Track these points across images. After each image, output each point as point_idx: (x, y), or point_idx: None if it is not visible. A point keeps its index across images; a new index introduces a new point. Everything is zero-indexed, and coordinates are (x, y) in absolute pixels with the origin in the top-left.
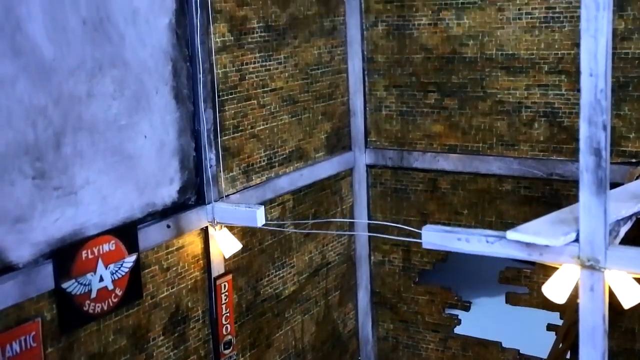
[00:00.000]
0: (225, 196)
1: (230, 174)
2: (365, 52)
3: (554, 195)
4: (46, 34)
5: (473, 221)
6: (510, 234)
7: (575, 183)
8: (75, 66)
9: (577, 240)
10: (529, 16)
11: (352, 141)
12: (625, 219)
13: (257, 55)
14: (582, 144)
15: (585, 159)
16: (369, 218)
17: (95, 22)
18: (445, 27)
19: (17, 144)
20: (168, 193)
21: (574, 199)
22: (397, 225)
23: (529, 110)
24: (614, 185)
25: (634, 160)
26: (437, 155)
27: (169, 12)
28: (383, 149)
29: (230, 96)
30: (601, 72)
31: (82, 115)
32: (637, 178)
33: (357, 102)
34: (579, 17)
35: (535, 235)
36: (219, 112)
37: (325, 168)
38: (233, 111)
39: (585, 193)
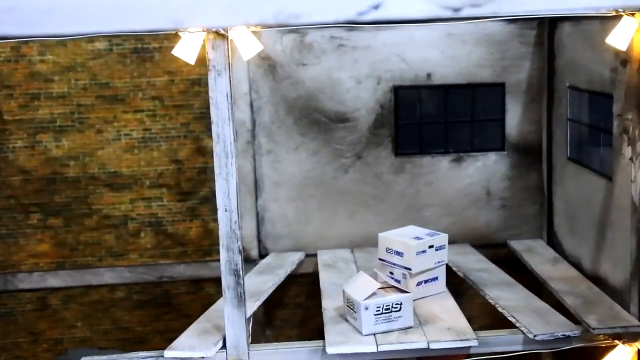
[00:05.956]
0: None
1: None
2: None
3: (165, 295)
4: None
5: (88, 332)
6: (168, 352)
7: (183, 282)
8: None
9: (224, 346)
10: (128, 137)
11: None
12: (249, 319)
13: None
14: (223, 267)
15: (227, 279)
16: None
17: None
18: (44, 149)
19: None
20: None
21: (183, 296)
22: None
23: (135, 221)
24: (216, 279)
25: None
26: (45, 273)
27: None
28: None
29: None
30: (234, 207)
31: None
32: None
33: None
34: (173, 137)
35: (190, 350)
36: None
37: None
38: None
39: (229, 307)
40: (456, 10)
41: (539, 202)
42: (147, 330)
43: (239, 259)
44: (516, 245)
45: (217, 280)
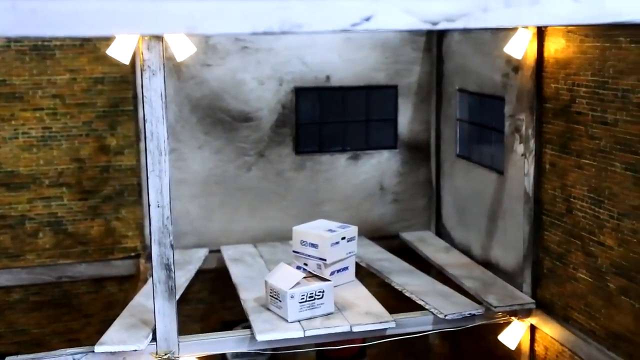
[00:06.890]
0: None
1: None
2: None
3: (64, 295)
4: None
5: None
6: (98, 348)
7: (84, 282)
8: None
9: (154, 339)
10: (26, 135)
11: None
12: None
13: None
14: (155, 261)
15: (158, 273)
16: None
17: None
18: None
19: None
20: None
21: (83, 296)
22: None
23: (33, 221)
24: (119, 278)
25: (133, 254)
26: None
27: None
28: None
29: None
30: (166, 203)
31: None
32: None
33: None
34: (75, 135)
35: (122, 344)
36: None
37: None
38: None
39: (160, 300)
40: (434, 23)
41: (427, 195)
42: (45, 332)
43: (170, 253)
44: (407, 236)
45: (119, 279)
